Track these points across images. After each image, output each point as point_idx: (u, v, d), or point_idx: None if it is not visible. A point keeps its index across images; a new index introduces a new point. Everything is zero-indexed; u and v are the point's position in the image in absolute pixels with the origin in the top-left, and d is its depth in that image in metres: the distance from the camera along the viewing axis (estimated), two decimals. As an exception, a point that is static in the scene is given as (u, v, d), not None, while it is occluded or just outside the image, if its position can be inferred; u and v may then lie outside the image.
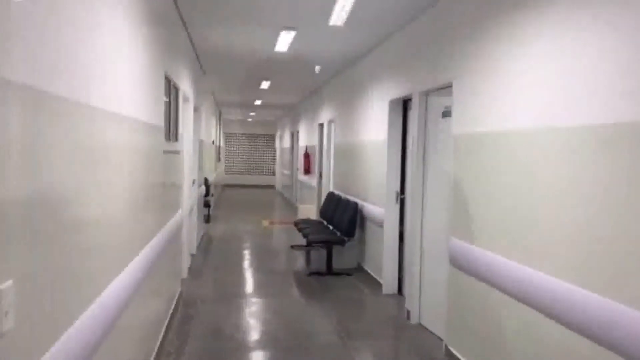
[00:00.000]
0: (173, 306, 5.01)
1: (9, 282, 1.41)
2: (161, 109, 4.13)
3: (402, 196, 5.83)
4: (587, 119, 2.53)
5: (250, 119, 22.77)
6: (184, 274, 6.42)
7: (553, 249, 2.78)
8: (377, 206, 6.30)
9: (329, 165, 10.12)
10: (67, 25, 1.87)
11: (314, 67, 8.30)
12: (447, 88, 4.34)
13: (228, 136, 23.26)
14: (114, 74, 2.55)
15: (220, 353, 4.23)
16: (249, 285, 6.47)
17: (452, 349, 4.06)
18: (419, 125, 4.93)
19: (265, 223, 11.78)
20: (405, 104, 5.85)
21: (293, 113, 16.37)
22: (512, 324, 3.19)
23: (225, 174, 22.78)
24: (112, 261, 2.56)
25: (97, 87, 2.27)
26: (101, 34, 2.31)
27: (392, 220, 5.91)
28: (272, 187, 22.71)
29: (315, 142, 11.67)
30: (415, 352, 4.44)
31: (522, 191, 3.10)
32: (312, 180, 11.98)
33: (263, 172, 23.68)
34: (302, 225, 7.93)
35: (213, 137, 13.62)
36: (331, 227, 7.81)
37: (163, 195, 4.27)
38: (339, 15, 4.99)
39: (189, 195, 6.69)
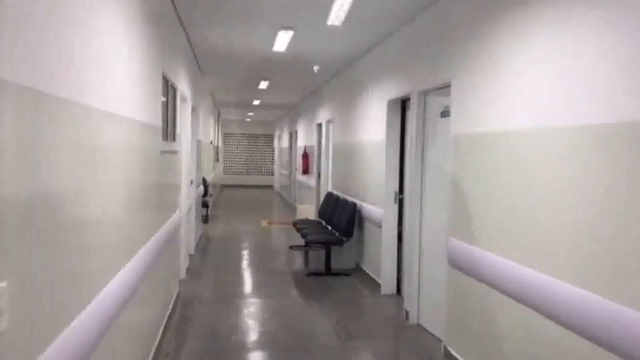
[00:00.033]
0: (171, 307, 4.99)
1: (3, 284, 1.39)
2: (159, 109, 4.11)
3: (400, 196, 5.82)
4: (587, 118, 2.52)
5: (248, 119, 22.76)
6: (182, 274, 6.40)
7: (553, 249, 2.77)
8: (376, 206, 6.29)
9: (327, 165, 10.11)
10: (66, 26, 1.85)
11: (312, 67, 8.28)
12: (445, 88, 4.33)
13: (226, 136, 23.24)
14: (112, 74, 2.53)
15: (218, 354, 4.21)
16: (248, 286, 6.45)
17: (451, 350, 4.04)
18: (418, 125, 4.92)
19: (264, 223, 11.76)
20: (403, 104, 5.83)
21: (292, 113, 16.35)
22: (512, 325, 3.17)
23: (224, 174, 22.76)
24: (109, 261, 2.55)
25: (95, 87, 2.26)
26: (99, 34, 2.30)
27: (391, 221, 5.89)
28: (270, 187, 22.69)
29: (313, 142, 11.65)
30: (414, 352, 4.42)
31: (522, 191, 3.09)
32: (311, 181, 11.97)
33: (262, 172, 23.66)
34: (300, 226, 7.91)
35: (211, 137, 13.60)
36: (330, 228, 7.80)
37: (160, 195, 4.25)
38: (337, 15, 4.97)
39: (187, 196, 6.67)
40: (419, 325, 4.92)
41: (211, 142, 13.60)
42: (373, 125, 6.52)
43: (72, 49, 1.94)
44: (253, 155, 23.69)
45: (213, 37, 6.39)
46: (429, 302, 4.77)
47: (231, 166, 23.49)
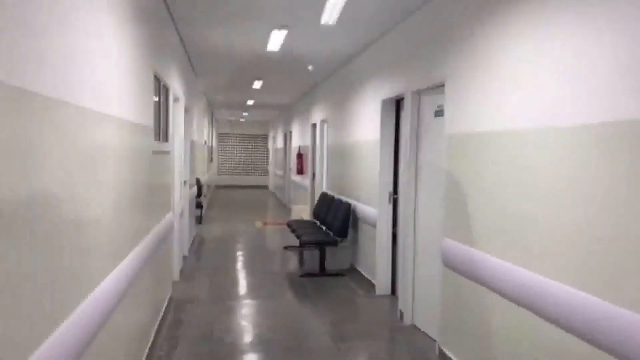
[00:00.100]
0: (164, 309, 4.94)
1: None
2: (150, 109, 4.07)
3: (395, 196, 5.79)
4: (584, 117, 2.49)
5: (243, 120, 22.70)
6: (176, 276, 6.35)
7: (549, 250, 2.74)
8: (370, 206, 6.26)
9: (322, 165, 10.07)
10: (54, 24, 1.81)
11: (306, 67, 8.25)
12: (439, 87, 4.31)
13: (221, 137, 23.18)
14: (101, 73, 2.49)
15: (212, 357, 4.16)
16: (242, 287, 6.41)
17: (445, 350, 4.02)
18: (412, 124, 4.89)
19: (259, 224, 11.72)
20: (398, 104, 5.81)
21: (286, 113, 16.32)
22: (507, 326, 3.15)
23: (218, 174, 22.70)
24: (99, 264, 2.50)
25: (85, 87, 2.22)
26: (88, 33, 2.25)
27: (385, 221, 5.86)
28: (265, 187, 22.64)
29: (308, 142, 11.62)
30: (408, 353, 4.40)
31: (516, 191, 3.07)
32: (305, 181, 11.93)
33: (256, 172, 23.61)
34: (294, 226, 7.87)
35: (205, 138, 13.55)
36: (324, 228, 7.77)
37: (152, 196, 4.20)
38: (330, 14, 4.94)
39: (180, 196, 6.62)
40: (413, 325, 4.89)
41: (205, 143, 13.54)
42: (367, 125, 6.49)
43: (61, 49, 1.90)
44: (248, 155, 23.64)
45: (206, 36, 6.34)
46: (424, 303, 4.74)
47: (226, 167, 23.42)
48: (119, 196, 2.93)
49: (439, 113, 4.46)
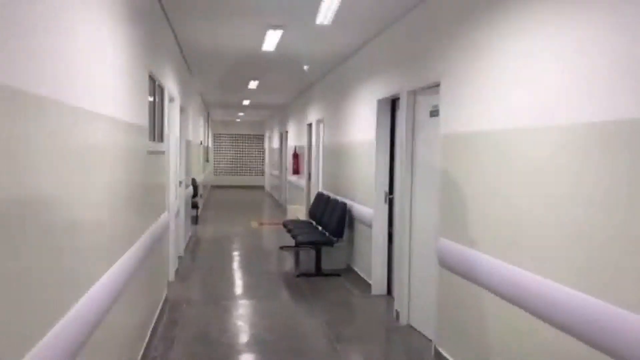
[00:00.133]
0: (159, 309, 4.92)
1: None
2: (145, 109, 4.06)
3: (391, 196, 5.79)
4: (579, 117, 2.49)
5: (238, 120, 22.67)
6: (171, 276, 6.33)
7: (545, 250, 2.74)
8: (366, 206, 6.26)
9: (317, 165, 10.07)
10: (46, 22, 1.80)
11: (302, 67, 8.24)
12: (435, 87, 4.31)
13: (217, 137, 23.14)
14: (95, 73, 2.48)
15: (207, 357, 4.15)
16: (237, 287, 6.40)
17: (441, 350, 4.02)
18: (407, 124, 4.89)
19: (254, 224, 11.70)
20: (393, 104, 5.81)
21: (282, 113, 16.30)
22: (503, 325, 3.15)
23: (214, 174, 22.66)
24: (94, 264, 2.49)
25: (80, 87, 2.21)
26: (82, 32, 2.24)
27: (381, 221, 5.86)
28: (261, 187, 22.61)
29: (304, 142, 11.61)
30: (404, 353, 4.40)
31: (513, 191, 3.07)
32: (301, 181, 11.93)
33: (252, 172, 23.58)
34: (290, 226, 7.87)
35: (201, 138, 13.52)
36: (320, 228, 7.76)
37: (147, 196, 4.19)
38: (325, 14, 4.94)
39: (176, 197, 6.60)
40: (409, 325, 4.89)
41: (201, 143, 13.52)
42: (363, 125, 6.49)
43: (53, 47, 1.89)
44: (243, 155, 23.61)
45: (201, 37, 6.33)
46: (420, 303, 4.74)
47: (221, 167, 23.39)
48: (113, 196, 2.91)
49: (434, 113, 4.46)
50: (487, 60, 3.39)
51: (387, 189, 5.84)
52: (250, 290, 6.26)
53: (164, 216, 5.22)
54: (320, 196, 8.61)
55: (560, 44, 2.63)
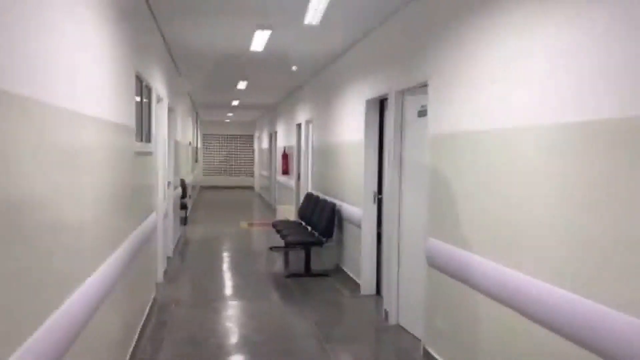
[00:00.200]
0: (147, 311, 4.89)
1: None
2: (132, 109, 4.03)
3: (379, 196, 5.80)
4: (566, 116, 2.51)
5: (228, 120, 22.61)
6: (160, 277, 6.29)
7: (533, 249, 2.76)
8: (355, 206, 6.27)
9: (307, 165, 10.06)
10: (29, 21, 1.78)
11: (290, 67, 8.23)
12: (423, 87, 4.32)
13: (206, 137, 23.05)
14: (81, 73, 2.46)
15: (196, 359, 4.13)
16: (227, 288, 6.38)
17: (429, 350, 4.03)
18: (396, 124, 4.90)
19: (244, 225, 11.67)
20: (382, 104, 5.82)
21: (271, 113, 16.28)
22: (492, 325, 3.17)
23: (203, 175, 22.58)
24: (79, 265, 2.47)
25: (64, 87, 2.19)
26: (65, 30, 2.22)
27: (370, 221, 5.87)
28: (250, 188, 22.56)
29: (293, 142, 11.60)
30: (393, 353, 4.41)
31: (499, 191, 3.08)
32: (291, 181, 11.92)
33: (241, 173, 23.52)
34: (280, 227, 7.85)
35: (190, 138, 13.47)
36: (309, 228, 7.76)
37: (135, 197, 4.16)
38: (314, 14, 4.93)
39: (164, 197, 6.57)
40: (398, 325, 4.90)
41: (190, 143, 13.46)
42: (352, 125, 6.50)
43: (36, 46, 1.87)
44: (233, 156, 23.55)
45: (189, 37, 6.30)
46: (408, 302, 4.75)
47: (211, 167, 23.30)
48: (99, 197, 2.89)
49: (422, 113, 4.47)
50: (474, 60, 3.41)
51: (375, 189, 5.85)
52: (240, 291, 6.25)
53: (152, 217, 5.19)
54: (309, 196, 8.61)
55: (549, 45, 2.65)
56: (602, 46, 2.27)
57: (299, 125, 10.98)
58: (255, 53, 6.99)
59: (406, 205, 4.84)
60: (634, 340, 2.02)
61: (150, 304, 5.16)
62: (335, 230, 6.97)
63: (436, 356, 3.93)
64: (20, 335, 1.72)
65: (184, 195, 10.56)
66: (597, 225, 2.27)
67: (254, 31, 5.83)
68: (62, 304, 2.17)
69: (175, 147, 8.12)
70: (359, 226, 6.05)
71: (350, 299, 5.87)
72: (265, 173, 17.91)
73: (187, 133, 12.24)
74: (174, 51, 7.22)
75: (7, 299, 1.62)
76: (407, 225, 4.81)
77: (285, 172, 12.60)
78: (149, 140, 5.12)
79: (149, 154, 5.13)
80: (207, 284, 6.46)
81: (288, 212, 11.11)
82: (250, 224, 11.82)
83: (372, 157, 5.87)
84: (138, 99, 4.50)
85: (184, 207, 10.84)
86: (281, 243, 8.48)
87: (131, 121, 3.96)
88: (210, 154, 23.30)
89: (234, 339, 4.64)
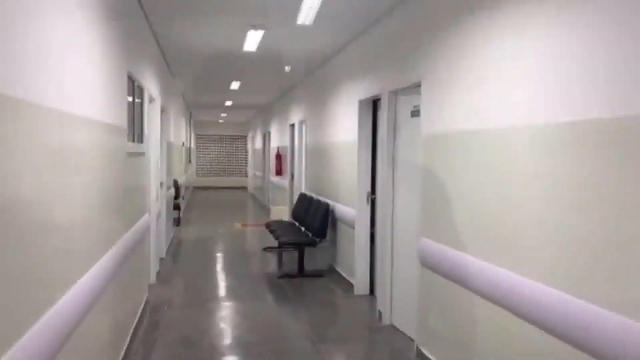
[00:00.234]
0: (140, 312, 4.87)
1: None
2: (124, 109, 4.01)
3: (373, 196, 5.80)
4: (558, 117, 2.52)
5: (221, 120, 22.56)
6: (152, 278, 6.26)
7: (526, 249, 2.76)
8: (349, 207, 6.26)
9: (300, 166, 10.05)
10: (19, 21, 1.76)
11: (283, 68, 8.22)
12: (416, 87, 4.32)
13: (199, 137, 22.99)
14: (72, 74, 2.44)
15: (189, 360, 4.12)
16: (220, 289, 6.36)
17: (423, 350, 4.03)
18: (389, 125, 4.90)
19: (238, 225, 11.64)
20: (375, 104, 5.82)
21: (265, 114, 16.26)
22: (485, 325, 3.17)
23: (197, 176, 22.52)
24: (71, 267, 2.45)
25: (54, 88, 2.17)
26: (56, 30, 2.20)
27: (364, 221, 5.87)
28: (244, 188, 22.52)
29: (287, 143, 11.59)
30: (387, 353, 4.40)
31: (494, 190, 3.09)
32: (284, 182, 11.90)
33: (235, 173, 23.48)
34: (273, 227, 7.84)
35: (183, 139, 13.42)
36: (303, 229, 7.74)
37: (127, 198, 4.14)
38: (307, 15, 4.93)
39: (157, 198, 6.54)
40: (392, 325, 4.90)
41: (183, 144, 13.42)
42: (345, 125, 6.50)
43: (26, 46, 1.85)
44: (226, 156, 23.50)
45: (181, 37, 6.28)
46: (402, 302, 4.75)
47: (204, 168, 23.25)
48: (91, 198, 2.87)
49: (416, 113, 4.47)
50: (467, 60, 3.41)
51: (369, 189, 5.85)
52: (233, 291, 6.23)
53: (144, 218, 5.17)
54: (303, 197, 8.60)
55: (540, 45, 2.66)
56: (590, 47, 2.28)
57: (292, 126, 10.97)
58: (249, 53, 6.98)
59: (399, 205, 4.84)
60: (625, 339, 2.03)
61: (142, 305, 5.13)
62: (329, 230, 6.97)
63: (429, 356, 3.93)
64: (10, 336, 1.70)
65: (177, 196, 10.52)
66: (587, 225, 2.28)
67: (247, 31, 5.82)
68: (53, 306, 2.15)
69: (168, 147, 8.09)
70: (352, 226, 6.05)
71: (344, 299, 5.87)
72: (258, 173, 17.88)
73: (180, 133, 12.20)
74: (166, 51, 7.19)
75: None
76: (401, 225, 4.81)
77: (279, 172, 12.58)
78: (141, 140, 5.10)
79: (142, 154, 5.10)
80: (200, 285, 6.43)
81: (282, 212, 11.10)
82: (244, 225, 11.79)
83: (365, 157, 5.87)
84: (130, 99, 4.47)
85: (177, 207, 10.80)
86: (275, 243, 8.46)
87: (123, 121, 3.94)
88: (204, 154, 23.24)
89: (227, 340, 4.62)
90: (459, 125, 3.51)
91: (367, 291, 5.93)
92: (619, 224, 2.11)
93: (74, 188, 2.51)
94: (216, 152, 23.40)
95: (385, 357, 4.38)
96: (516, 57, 2.85)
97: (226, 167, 23.49)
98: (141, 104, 5.21)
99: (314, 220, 7.11)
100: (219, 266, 7.66)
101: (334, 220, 6.96)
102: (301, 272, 6.83)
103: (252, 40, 6.19)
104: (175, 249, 8.68)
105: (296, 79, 9.63)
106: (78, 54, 2.62)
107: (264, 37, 6.02)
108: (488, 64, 3.15)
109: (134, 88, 4.72)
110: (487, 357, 3.13)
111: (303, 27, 5.48)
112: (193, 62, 8.00)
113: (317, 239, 6.84)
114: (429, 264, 3.92)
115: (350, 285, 6.17)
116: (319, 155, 8.01)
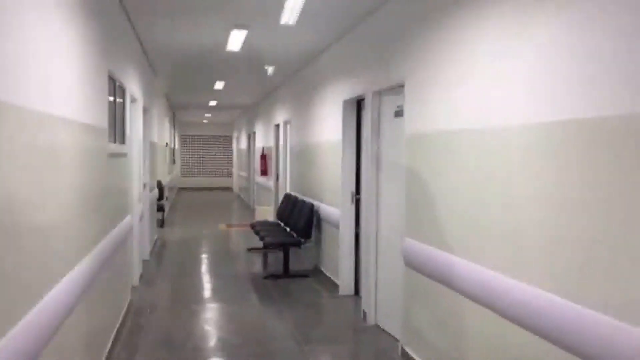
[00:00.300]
0: (122, 315, 4.81)
1: None
2: (104, 110, 3.95)
3: (357, 196, 5.80)
4: (540, 117, 2.53)
5: (206, 121, 22.43)
6: (135, 281, 6.19)
7: (508, 249, 2.77)
8: (333, 207, 6.26)
9: (285, 166, 10.03)
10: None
11: (266, 69, 8.18)
12: (399, 87, 4.33)
13: (183, 138, 22.84)
14: (49, 74, 2.39)
15: (172, 363, 4.08)
16: (204, 291, 6.31)
17: (407, 350, 4.04)
18: (373, 125, 4.91)
19: (222, 226, 11.58)
20: (359, 104, 5.82)
21: (249, 114, 16.19)
22: (470, 325, 3.18)
23: (181, 176, 22.37)
24: (49, 270, 2.41)
25: (30, 88, 2.12)
26: (33, 29, 2.16)
27: (348, 221, 5.86)
28: (229, 189, 22.42)
29: (272, 143, 11.56)
30: (371, 353, 4.40)
31: (474, 191, 3.10)
32: (269, 182, 11.86)
33: (220, 174, 23.36)
34: (258, 228, 7.81)
35: (167, 139, 13.32)
36: (288, 229, 7.72)
37: (109, 199, 4.09)
38: (290, 14, 4.91)
39: (140, 199, 6.47)
40: (376, 325, 4.90)
41: (167, 144, 13.31)
42: (329, 125, 6.49)
43: (2, 46, 1.81)
44: (211, 157, 23.37)
45: (164, 36, 6.22)
46: (386, 303, 4.76)
47: (189, 168, 23.10)
48: (71, 200, 2.82)
49: (399, 113, 4.48)
50: (450, 61, 3.42)
51: (353, 189, 5.85)
52: (217, 293, 6.18)
53: (126, 220, 5.11)
54: (287, 197, 8.58)
55: (525, 45, 2.67)
56: (577, 47, 2.29)
57: (277, 126, 10.93)
58: (232, 53, 6.94)
59: (384, 205, 4.84)
60: (615, 341, 2.01)
61: (125, 308, 5.07)
62: (314, 230, 6.95)
63: (414, 356, 3.94)
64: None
65: (160, 197, 10.43)
66: (575, 226, 2.27)
67: (230, 31, 5.78)
68: (31, 309, 2.10)
69: (151, 148, 8.01)
70: (337, 227, 6.04)
71: (329, 299, 5.86)
72: (243, 174, 17.81)
73: (164, 134, 12.10)
74: (149, 51, 7.12)
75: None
76: (385, 225, 4.81)
77: (264, 172, 12.54)
78: (123, 141, 5.03)
79: (124, 155, 5.04)
80: (184, 287, 6.38)
81: (267, 213, 11.05)
82: (229, 225, 11.73)
83: (349, 157, 5.86)
84: (111, 99, 4.42)
85: (161, 209, 10.72)
86: (260, 244, 8.43)
87: (103, 122, 3.88)
88: (188, 155, 23.09)
89: (211, 342, 4.58)
90: (442, 125, 3.51)
91: (352, 291, 5.93)
92: (607, 224, 2.08)
93: (53, 189, 2.47)
94: (201, 153, 23.26)
95: (370, 357, 4.38)
96: (501, 56, 2.86)
97: (211, 167, 23.37)
98: (123, 104, 5.15)
99: (298, 221, 7.09)
100: (204, 267, 7.61)
101: (319, 221, 6.95)
102: (286, 272, 6.80)
103: (236, 40, 6.16)
104: (159, 250, 8.60)
105: (281, 80, 9.61)
106: (56, 53, 2.57)
107: (247, 37, 5.99)
108: (472, 64, 3.15)
109: (115, 88, 4.66)
110: (471, 356, 3.14)
111: (287, 27, 5.46)
112: (176, 62, 7.94)
113: (302, 240, 6.82)
114: (413, 264, 3.92)
115: (335, 286, 6.16)
116: (304, 155, 7.99)
